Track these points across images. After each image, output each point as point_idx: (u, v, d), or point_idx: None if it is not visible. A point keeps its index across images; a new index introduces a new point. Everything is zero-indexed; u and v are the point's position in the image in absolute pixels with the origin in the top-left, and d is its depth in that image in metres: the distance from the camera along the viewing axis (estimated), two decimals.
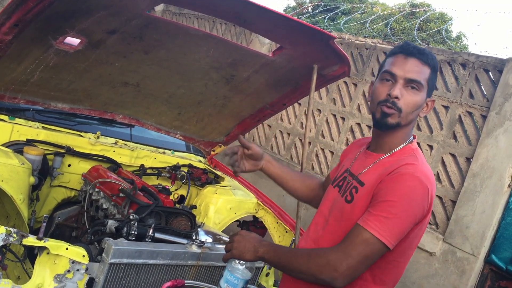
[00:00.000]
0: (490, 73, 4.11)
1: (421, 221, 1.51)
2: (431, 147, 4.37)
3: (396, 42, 5.82)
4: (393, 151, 1.58)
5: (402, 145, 1.59)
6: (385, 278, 1.56)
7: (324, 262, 1.43)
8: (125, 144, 3.06)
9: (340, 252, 1.43)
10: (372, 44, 5.26)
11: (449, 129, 4.26)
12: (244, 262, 1.65)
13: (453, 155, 4.19)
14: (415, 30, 9.09)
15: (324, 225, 1.64)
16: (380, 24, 11.29)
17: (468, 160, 4.06)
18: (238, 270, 1.65)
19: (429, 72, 1.53)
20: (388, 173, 1.48)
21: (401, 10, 12.37)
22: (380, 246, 1.42)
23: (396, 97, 1.50)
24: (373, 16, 11.07)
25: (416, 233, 1.54)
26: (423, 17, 11.44)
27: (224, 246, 1.70)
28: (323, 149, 5.47)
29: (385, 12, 12.09)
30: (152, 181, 3.14)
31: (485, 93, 4.11)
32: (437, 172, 4.24)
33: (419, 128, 4.50)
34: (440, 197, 4.18)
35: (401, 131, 1.58)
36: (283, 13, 2.19)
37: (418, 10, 12.22)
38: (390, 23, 10.33)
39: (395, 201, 1.42)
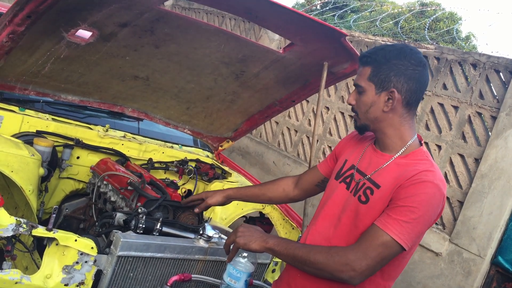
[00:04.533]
0: (501, 73, 4.08)
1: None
2: (439, 147, 4.35)
3: (406, 41, 5.80)
4: (401, 151, 1.59)
5: (408, 144, 1.60)
6: (391, 273, 1.62)
7: (343, 262, 1.47)
8: (134, 138, 3.07)
9: (360, 252, 1.47)
10: (382, 42, 5.24)
11: (458, 129, 4.24)
12: (246, 255, 1.65)
13: (461, 156, 4.17)
14: (425, 29, 9.03)
15: (336, 224, 1.64)
16: (390, 22, 11.23)
17: (477, 161, 4.03)
18: (240, 264, 1.65)
19: (370, 70, 1.60)
20: (407, 178, 1.50)
21: (411, 8, 12.30)
22: (397, 249, 1.48)
23: (350, 104, 1.67)
24: (382, 15, 11.02)
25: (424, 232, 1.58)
26: (432, 17, 11.38)
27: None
28: (330, 147, 5.46)
29: (395, 11, 12.03)
30: (160, 175, 3.14)
31: (495, 94, 4.08)
32: (445, 172, 4.22)
33: (427, 128, 4.48)
34: (447, 198, 4.16)
35: (388, 130, 1.61)
36: (295, 9, 2.18)
37: (427, 9, 12.15)
38: (399, 22, 10.28)
39: (416, 207, 1.47)
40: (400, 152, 1.60)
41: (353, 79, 1.72)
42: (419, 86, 1.59)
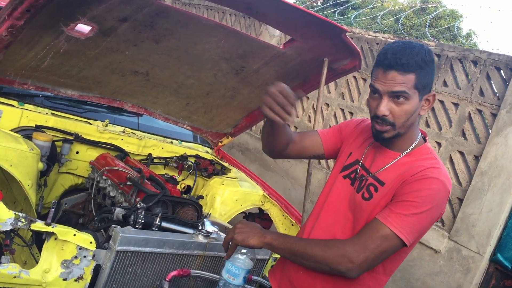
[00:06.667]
0: (501, 71, 4.07)
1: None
2: (439, 144, 4.34)
3: (407, 38, 5.78)
4: (408, 149, 1.58)
5: (416, 142, 1.59)
6: (393, 268, 1.62)
7: (340, 254, 1.47)
8: (133, 133, 3.06)
9: (358, 244, 1.47)
10: (383, 39, 5.22)
11: (458, 126, 4.23)
12: (245, 251, 1.63)
13: (461, 153, 4.16)
14: (426, 26, 9.02)
15: (344, 222, 1.62)
16: (391, 19, 11.22)
17: (477, 158, 4.03)
18: (239, 260, 1.63)
19: (414, 77, 1.47)
20: (412, 174, 1.50)
21: (412, 6, 12.29)
22: (398, 243, 1.47)
23: (384, 115, 1.49)
24: (383, 12, 11.00)
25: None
26: (433, 14, 11.36)
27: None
28: None
29: (396, 8, 12.02)
30: (159, 170, 3.14)
31: (496, 91, 4.07)
32: None
33: (427, 125, 4.48)
34: None
35: (408, 132, 1.57)
36: (296, 5, 2.18)
37: (428, 6, 12.14)
38: (400, 19, 10.26)
39: (419, 202, 1.46)
40: (407, 151, 1.58)
41: (372, 86, 1.50)
42: None
